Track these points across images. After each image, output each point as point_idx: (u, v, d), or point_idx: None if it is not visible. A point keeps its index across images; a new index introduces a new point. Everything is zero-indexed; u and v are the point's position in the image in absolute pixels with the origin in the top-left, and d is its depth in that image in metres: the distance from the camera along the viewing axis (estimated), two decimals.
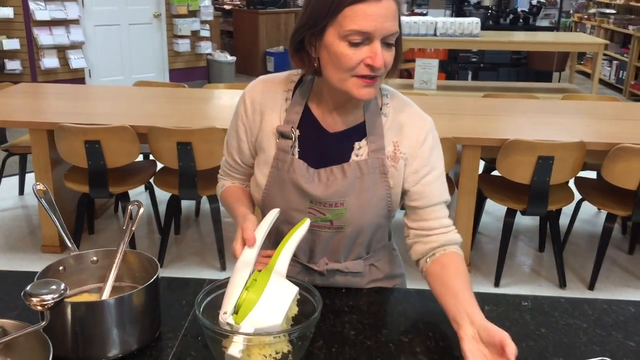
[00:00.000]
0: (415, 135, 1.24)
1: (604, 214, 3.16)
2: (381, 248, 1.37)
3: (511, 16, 7.34)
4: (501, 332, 1.01)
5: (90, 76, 6.94)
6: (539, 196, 2.98)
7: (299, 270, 1.34)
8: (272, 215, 1.19)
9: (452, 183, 3.19)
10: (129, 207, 1.22)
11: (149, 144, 3.02)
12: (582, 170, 3.48)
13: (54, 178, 3.27)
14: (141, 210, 1.22)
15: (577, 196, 3.23)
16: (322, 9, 1.10)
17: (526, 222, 3.88)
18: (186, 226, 3.80)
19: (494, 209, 3.88)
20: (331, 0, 1.09)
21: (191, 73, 7.49)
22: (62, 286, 0.86)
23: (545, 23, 7.07)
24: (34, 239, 3.53)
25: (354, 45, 1.09)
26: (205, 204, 3.97)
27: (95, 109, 3.56)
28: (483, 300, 1.25)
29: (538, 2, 7.69)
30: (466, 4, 7.17)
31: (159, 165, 3.25)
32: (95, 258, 1.19)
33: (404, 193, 1.28)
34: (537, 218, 3.68)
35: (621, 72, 8.18)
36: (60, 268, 1.14)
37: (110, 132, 2.99)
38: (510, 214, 3.13)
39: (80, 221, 3.26)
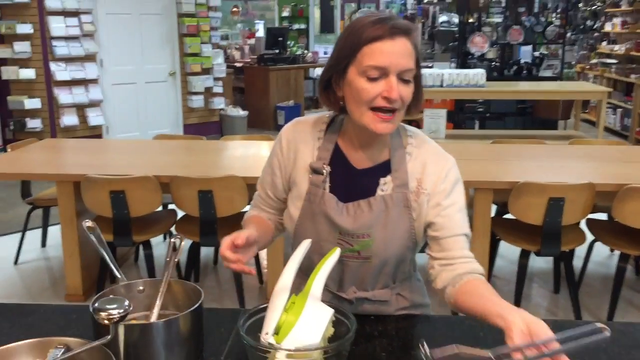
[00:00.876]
0: (437, 172, 1.34)
1: (616, 255, 3.21)
2: (407, 278, 1.45)
3: (515, 67, 7.55)
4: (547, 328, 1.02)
5: (107, 132, 7.15)
6: (551, 237, 3.04)
7: (330, 298, 1.42)
8: (305, 245, 1.28)
9: None
10: (172, 240, 1.32)
11: (171, 192, 3.13)
12: (593, 212, 3.56)
13: (79, 229, 3.37)
14: (183, 242, 1.31)
15: (590, 238, 3.29)
16: (345, 50, 1.25)
17: (540, 264, 3.93)
18: (205, 274, 3.87)
19: (508, 252, 3.93)
20: (352, 41, 1.24)
21: (205, 128, 7.70)
22: (126, 303, 0.95)
23: (548, 73, 7.26)
24: (57, 290, 3.61)
25: (372, 80, 1.22)
26: None
27: (118, 161, 3.70)
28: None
29: (540, 53, 7.92)
30: (470, 57, 7.39)
31: (179, 215, 3.36)
32: (141, 287, 1.27)
33: (428, 226, 1.35)
34: (551, 261, 3.73)
35: (626, 119, 8.32)
36: (111, 296, 1.23)
37: (134, 182, 3.10)
38: (525, 255, 3.19)
39: (104, 270, 3.34)
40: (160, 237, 4.09)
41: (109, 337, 0.95)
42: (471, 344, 1.19)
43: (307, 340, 1.10)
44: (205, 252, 4.09)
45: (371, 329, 1.33)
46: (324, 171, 1.35)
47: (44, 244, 4.31)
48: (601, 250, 3.85)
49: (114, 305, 0.94)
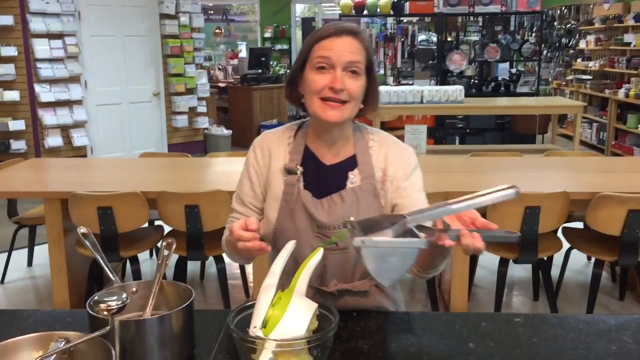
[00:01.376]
0: (398, 159, 1.49)
1: (593, 263, 3.31)
2: None
3: (492, 84, 7.73)
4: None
5: (92, 153, 7.18)
6: (528, 245, 3.14)
7: (313, 294, 1.49)
8: (290, 246, 1.35)
9: None
10: (163, 243, 1.39)
11: (158, 208, 3.19)
12: (569, 221, 3.68)
13: (67, 246, 3.41)
14: (174, 245, 1.38)
15: (566, 245, 3.40)
16: (303, 51, 1.44)
17: (520, 273, 4.03)
18: None
19: (489, 263, 4.03)
20: (307, 43, 1.43)
21: (189, 147, 7.76)
22: (124, 295, 1.02)
23: (525, 89, 7.44)
24: (43, 307, 3.62)
25: (320, 70, 1.38)
26: (210, 267, 4.11)
27: (104, 178, 3.75)
28: (479, 318, 1.41)
29: (517, 70, 8.11)
30: (450, 74, 7.56)
31: (166, 230, 3.41)
32: (135, 289, 1.34)
33: (392, 209, 1.48)
34: (531, 270, 3.83)
35: (601, 133, 8.53)
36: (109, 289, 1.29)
37: (121, 198, 3.16)
38: (504, 263, 3.28)
39: (91, 286, 3.38)
40: (147, 253, 4.13)
41: (108, 327, 1.01)
42: (448, 338, 1.28)
43: (292, 332, 1.17)
44: (192, 268, 4.14)
45: (353, 325, 1.41)
46: (298, 171, 1.47)
47: (30, 263, 4.32)
48: (579, 258, 3.96)
49: (113, 297, 1.00)
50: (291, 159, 1.49)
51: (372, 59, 1.45)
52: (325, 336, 1.18)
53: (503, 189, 1.19)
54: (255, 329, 1.18)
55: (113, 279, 1.33)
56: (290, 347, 1.16)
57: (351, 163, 1.48)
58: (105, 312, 0.99)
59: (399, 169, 1.48)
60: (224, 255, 3.35)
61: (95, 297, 1.01)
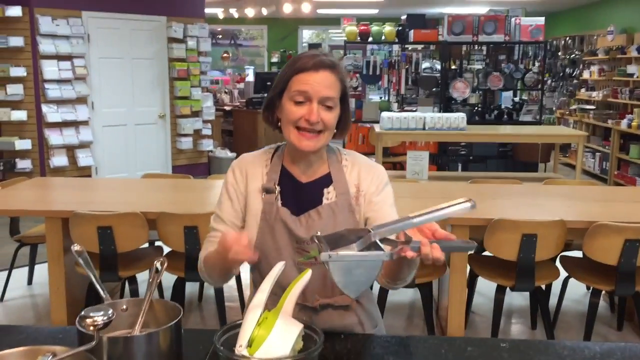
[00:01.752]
0: (370, 177, 1.57)
1: (590, 293, 3.31)
2: None
3: (495, 112, 7.77)
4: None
5: (97, 173, 7.25)
6: (525, 272, 3.14)
7: (297, 310, 1.51)
8: (278, 267, 1.38)
9: (444, 261, 3.37)
10: (155, 262, 1.41)
11: (158, 228, 3.22)
12: (569, 250, 3.68)
13: (66, 264, 3.43)
14: (165, 264, 1.41)
15: (564, 274, 3.40)
16: (281, 79, 1.51)
17: (519, 302, 4.02)
18: (189, 310, 3.92)
19: (487, 291, 4.02)
20: (286, 72, 1.50)
21: (193, 169, 7.82)
22: (110, 311, 1.04)
23: (528, 118, 7.47)
24: (41, 325, 3.63)
25: (298, 103, 1.47)
26: (209, 289, 4.12)
27: (106, 198, 3.79)
28: (466, 342, 1.42)
29: (520, 99, 8.17)
30: (454, 102, 7.62)
31: (165, 251, 3.43)
32: (125, 307, 1.36)
33: (365, 222, 1.55)
34: (529, 299, 3.82)
35: (604, 163, 8.54)
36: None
37: (121, 218, 3.19)
38: (500, 290, 3.28)
39: (89, 305, 3.38)
40: (146, 273, 4.13)
41: (94, 342, 1.03)
42: (423, 354, 1.29)
43: (277, 352, 1.19)
44: (191, 289, 4.15)
45: (340, 347, 1.42)
46: (276, 190, 1.54)
47: (30, 282, 4.35)
48: (578, 288, 3.95)
49: (99, 313, 1.03)
50: (268, 179, 1.57)
51: (346, 89, 1.53)
52: (310, 356, 1.20)
53: (459, 203, 1.26)
54: (240, 348, 1.20)
55: (103, 296, 1.35)
56: None
57: (326, 180, 1.57)
58: (92, 327, 1.02)
59: (371, 185, 1.56)
60: None
61: (82, 313, 1.03)
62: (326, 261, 1.17)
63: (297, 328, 1.24)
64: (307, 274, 1.35)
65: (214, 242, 1.59)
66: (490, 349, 1.42)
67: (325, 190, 1.56)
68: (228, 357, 1.18)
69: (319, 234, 1.24)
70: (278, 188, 1.55)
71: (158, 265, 1.40)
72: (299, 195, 1.56)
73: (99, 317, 1.02)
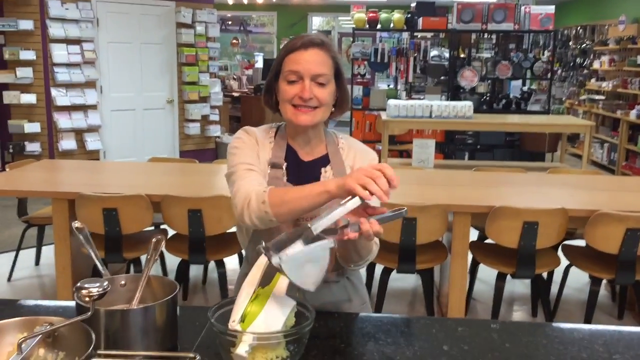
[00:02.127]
0: (364, 160, 1.63)
1: (591, 281, 3.32)
2: None
3: (504, 101, 7.75)
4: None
5: (105, 157, 7.30)
6: (526, 260, 3.16)
7: (290, 286, 1.55)
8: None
9: (445, 248, 3.39)
10: (153, 239, 1.44)
11: (162, 211, 3.25)
12: (572, 239, 3.70)
13: (72, 245, 3.48)
14: (163, 241, 1.44)
15: (565, 263, 3.41)
16: (276, 63, 1.58)
17: (520, 290, 4.03)
18: (193, 292, 3.96)
19: (489, 278, 4.04)
20: (280, 55, 1.56)
21: (200, 154, 7.85)
22: (105, 283, 1.07)
23: (536, 108, 7.44)
24: None
25: (291, 82, 1.52)
26: (212, 272, 4.17)
27: (112, 181, 3.83)
28: (456, 323, 1.45)
29: (529, 88, 8.13)
30: (462, 90, 7.59)
31: (170, 234, 3.47)
32: (123, 282, 1.40)
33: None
34: (530, 286, 3.84)
35: (612, 154, 8.50)
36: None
37: (126, 200, 3.23)
38: (501, 277, 3.30)
39: None
40: None
41: (89, 313, 1.07)
42: (424, 340, 1.32)
43: (269, 328, 1.22)
44: (195, 272, 4.19)
45: (333, 325, 1.45)
46: (283, 165, 1.59)
47: (37, 262, 4.41)
48: (581, 276, 3.96)
49: (95, 284, 1.06)
50: (274, 154, 1.61)
51: (339, 66, 1.57)
52: (301, 331, 1.23)
53: (399, 211, 1.32)
54: (234, 323, 1.23)
55: (103, 272, 1.39)
56: (267, 341, 1.20)
57: (324, 160, 1.63)
58: (87, 298, 1.05)
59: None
60: (224, 260, 3.41)
61: (78, 284, 1.06)
62: (278, 264, 1.20)
63: (289, 305, 1.27)
64: None
65: (254, 179, 1.51)
66: (480, 329, 1.44)
67: (323, 169, 1.62)
68: (221, 331, 1.21)
69: (264, 244, 1.25)
70: (285, 164, 1.60)
71: (155, 242, 1.42)
72: (300, 172, 1.61)
73: (94, 288, 1.05)
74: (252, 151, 1.59)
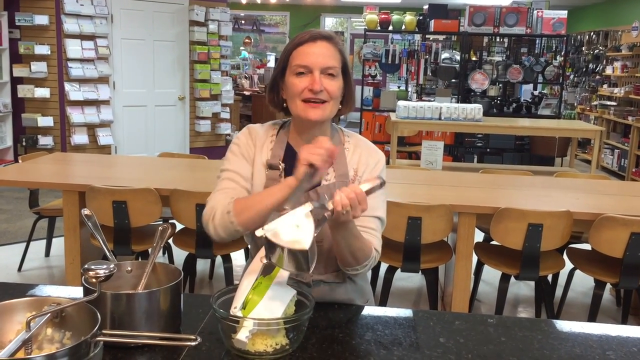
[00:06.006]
0: (369, 162, 1.60)
1: (594, 284, 3.33)
2: None
3: (514, 105, 7.75)
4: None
5: (116, 152, 7.37)
6: (530, 262, 3.17)
7: (291, 284, 1.57)
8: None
9: (450, 248, 3.42)
10: (160, 228, 1.48)
11: (170, 205, 3.30)
12: (578, 242, 3.70)
13: (82, 237, 3.54)
14: (169, 229, 1.47)
15: (570, 266, 3.42)
16: (282, 57, 1.55)
17: (524, 292, 4.05)
18: (200, 287, 4.01)
19: (494, 280, 4.05)
20: (286, 49, 1.54)
21: (210, 152, 7.91)
22: (112, 266, 1.11)
23: (547, 112, 7.44)
24: None
25: (299, 75, 1.50)
26: (219, 267, 4.21)
27: (122, 174, 3.88)
28: (454, 317, 1.48)
29: (540, 92, 8.11)
30: (472, 93, 7.59)
31: (178, 227, 3.52)
32: (129, 268, 1.43)
33: None
34: (534, 289, 3.85)
35: (623, 160, 8.47)
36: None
37: (135, 193, 3.28)
38: (505, 279, 3.32)
39: None
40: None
41: (96, 294, 1.11)
42: (421, 332, 1.35)
43: (270, 315, 1.26)
44: (202, 267, 4.24)
45: (333, 315, 1.49)
46: (280, 167, 1.57)
47: (47, 254, 4.47)
48: (586, 280, 3.96)
49: (102, 266, 1.10)
50: (273, 155, 1.59)
51: (347, 61, 1.56)
52: (301, 318, 1.26)
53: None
54: (235, 310, 1.27)
55: (110, 258, 1.43)
56: (267, 327, 1.24)
57: None
58: (94, 280, 1.09)
59: (367, 171, 1.59)
60: (231, 255, 3.45)
61: (85, 266, 1.10)
62: (262, 235, 1.24)
63: (289, 293, 1.31)
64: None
65: (230, 191, 1.55)
66: (477, 324, 1.47)
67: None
68: (223, 317, 1.25)
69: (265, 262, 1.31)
70: (282, 165, 1.57)
71: (162, 231, 1.46)
72: None
73: (101, 270, 1.09)
74: (245, 159, 1.59)
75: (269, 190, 1.45)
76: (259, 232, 1.25)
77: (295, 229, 1.24)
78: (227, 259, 3.43)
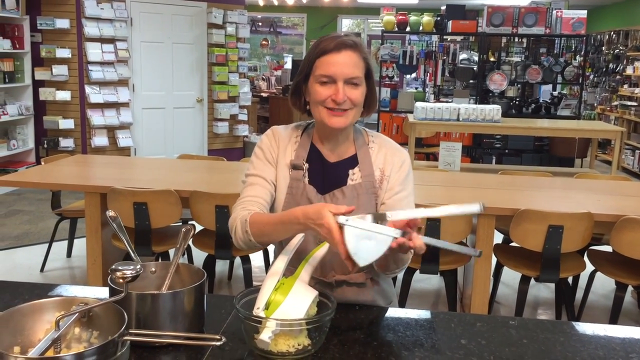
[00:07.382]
0: (395, 161, 1.60)
1: (616, 286, 3.30)
2: None
3: (533, 105, 7.69)
4: None
5: (135, 154, 7.45)
6: (550, 263, 3.15)
7: (313, 284, 1.58)
8: (298, 238, 1.45)
9: None
10: (183, 229, 1.50)
11: (190, 206, 3.33)
12: (600, 244, 3.67)
13: (103, 238, 3.58)
14: (192, 231, 1.49)
15: (591, 268, 3.39)
16: (306, 63, 1.56)
17: (544, 294, 4.02)
18: (219, 287, 4.04)
19: (514, 282, 4.03)
20: (310, 56, 1.55)
21: (228, 153, 7.95)
22: (139, 266, 1.13)
23: (566, 112, 7.37)
24: None
25: (323, 84, 1.51)
26: (238, 268, 4.24)
27: (143, 176, 3.92)
28: (475, 318, 1.48)
29: (559, 93, 8.04)
30: (490, 94, 7.55)
31: (198, 229, 3.55)
32: (154, 269, 1.46)
33: (380, 206, 1.59)
34: (554, 291, 3.82)
35: None
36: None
37: (156, 195, 3.31)
38: (525, 280, 3.30)
39: None
40: None
41: (123, 294, 1.13)
42: (443, 333, 1.35)
43: (292, 316, 1.27)
44: (221, 268, 4.27)
45: (354, 317, 1.49)
46: (304, 167, 1.59)
47: (69, 255, 4.54)
48: (606, 283, 3.93)
49: (129, 267, 1.12)
50: (297, 155, 1.61)
51: (370, 66, 1.56)
52: (323, 319, 1.27)
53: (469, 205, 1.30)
54: (258, 310, 1.28)
55: (134, 259, 1.45)
56: (289, 327, 1.25)
57: (352, 161, 1.61)
58: (121, 280, 1.11)
59: (395, 171, 1.60)
60: (250, 256, 3.47)
61: (113, 267, 1.12)
62: (342, 224, 1.24)
63: (311, 294, 1.32)
64: (325, 247, 1.42)
65: (251, 202, 1.56)
66: (498, 325, 1.47)
67: (350, 171, 1.59)
68: (246, 317, 1.26)
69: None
70: (306, 165, 1.59)
71: (185, 232, 1.48)
72: (325, 174, 1.60)
73: (128, 270, 1.11)
74: (269, 162, 1.61)
75: (285, 225, 1.42)
76: (341, 220, 1.25)
77: (366, 242, 1.24)
78: (246, 260, 3.45)
